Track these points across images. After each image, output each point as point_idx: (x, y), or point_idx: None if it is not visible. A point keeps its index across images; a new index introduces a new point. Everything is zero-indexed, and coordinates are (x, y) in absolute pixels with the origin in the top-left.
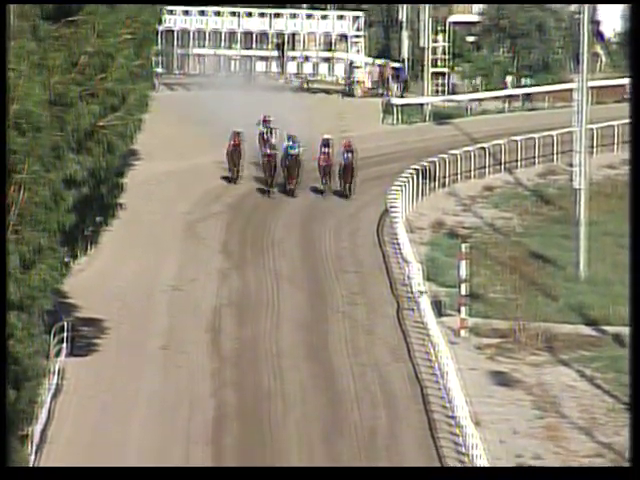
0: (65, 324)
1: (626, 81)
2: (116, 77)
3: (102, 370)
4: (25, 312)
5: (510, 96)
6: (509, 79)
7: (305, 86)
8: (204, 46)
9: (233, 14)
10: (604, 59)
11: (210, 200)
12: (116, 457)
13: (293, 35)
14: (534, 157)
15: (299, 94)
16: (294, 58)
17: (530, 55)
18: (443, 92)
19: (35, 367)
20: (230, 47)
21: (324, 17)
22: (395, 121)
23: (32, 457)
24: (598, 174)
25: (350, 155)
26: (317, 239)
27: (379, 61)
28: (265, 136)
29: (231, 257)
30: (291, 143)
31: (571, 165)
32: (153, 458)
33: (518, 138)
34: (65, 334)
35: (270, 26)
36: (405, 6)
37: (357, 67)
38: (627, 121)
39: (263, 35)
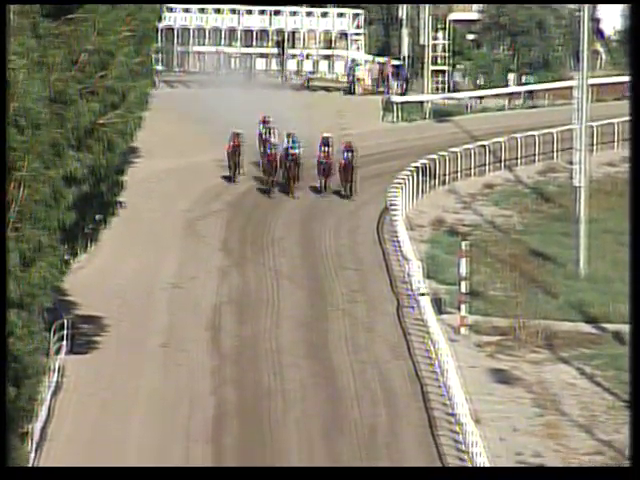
0: (65, 322)
1: (626, 79)
2: (116, 75)
3: (102, 368)
4: (25, 310)
5: (511, 94)
6: (511, 77)
7: (307, 84)
8: (204, 44)
9: (233, 12)
10: (604, 57)
11: (210, 198)
12: (116, 455)
13: (293, 33)
14: (534, 155)
15: (299, 92)
16: (294, 56)
17: (530, 53)
18: (443, 90)
19: (35, 365)
20: (230, 45)
21: (324, 15)
22: (395, 119)
23: (32, 455)
24: (598, 172)
25: (350, 155)
26: (317, 237)
27: (381, 59)
28: (264, 136)
29: (231, 255)
30: (291, 143)
31: (571, 163)
32: (153, 456)
33: (518, 135)
34: (65, 332)
35: (270, 24)
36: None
37: (357, 65)
38: (627, 119)
39: (263, 33)
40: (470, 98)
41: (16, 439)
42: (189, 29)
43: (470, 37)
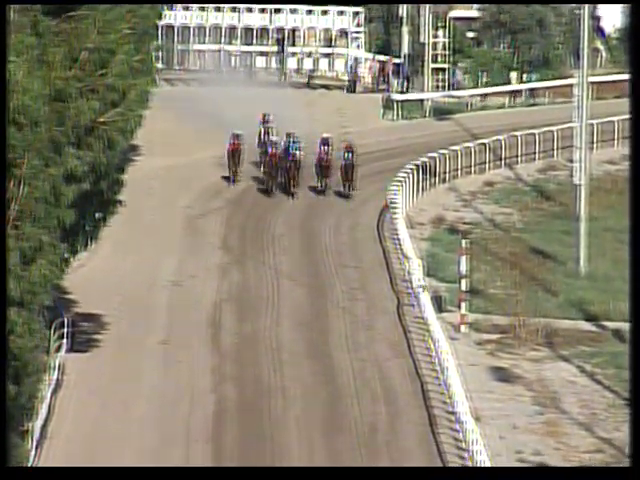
0: (65, 320)
1: (626, 76)
2: (116, 73)
3: (102, 365)
4: (25, 308)
5: (511, 92)
6: (513, 75)
7: (308, 82)
8: (204, 42)
9: (233, 10)
10: (604, 55)
11: (210, 196)
12: (116, 453)
13: (293, 31)
14: (534, 153)
15: (299, 90)
16: (294, 54)
17: (530, 50)
18: (444, 88)
19: (35, 362)
20: (230, 43)
21: (324, 13)
22: (395, 117)
23: (32, 453)
24: (598, 170)
25: (350, 155)
26: (317, 235)
27: (383, 57)
28: (264, 135)
29: (231, 252)
30: (291, 142)
31: (571, 161)
32: (153, 454)
33: (518, 134)
34: (65, 330)
35: (270, 22)
36: None
37: (359, 63)
38: (627, 117)
39: (263, 31)
40: (470, 96)
41: (16, 437)
42: (189, 27)
43: (470, 35)
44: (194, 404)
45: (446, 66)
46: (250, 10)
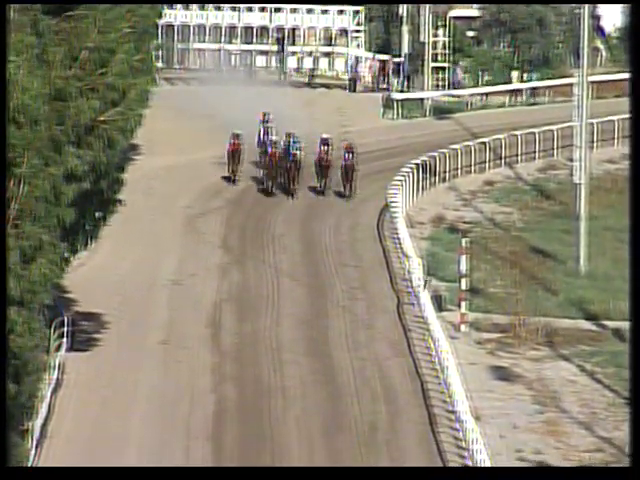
0: (65, 319)
1: (626, 76)
2: (116, 72)
3: (102, 365)
4: (25, 307)
5: (512, 91)
6: (515, 74)
7: (310, 81)
8: (204, 41)
9: (233, 9)
10: (604, 54)
11: (210, 195)
12: (116, 452)
13: (293, 30)
14: (534, 152)
15: (299, 89)
16: (294, 53)
17: (530, 50)
18: (444, 87)
19: (35, 361)
20: (230, 42)
21: (324, 12)
22: (395, 116)
23: (32, 452)
24: (598, 169)
25: (351, 155)
26: (317, 234)
27: (383, 56)
28: (264, 135)
29: (231, 252)
30: (292, 142)
31: (571, 160)
32: (153, 453)
33: (518, 133)
34: (65, 329)
35: (270, 21)
36: None
37: (359, 62)
38: (627, 116)
39: (263, 30)
40: (470, 95)
41: (16, 436)
42: (189, 26)
43: (470, 34)
44: (194, 404)
45: (446, 65)
46: (250, 9)
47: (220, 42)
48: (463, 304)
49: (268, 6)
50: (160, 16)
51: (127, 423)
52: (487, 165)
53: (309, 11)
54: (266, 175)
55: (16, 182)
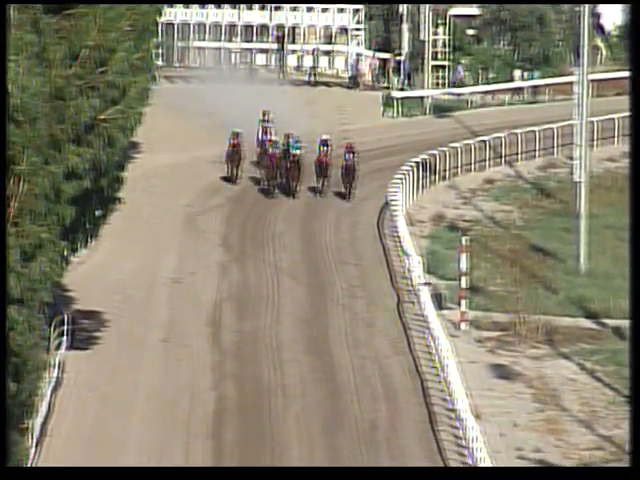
0: (65, 317)
1: (626, 74)
2: (116, 70)
3: (102, 363)
4: (25, 305)
5: (512, 89)
6: (517, 73)
7: (313, 80)
8: (204, 39)
9: (233, 7)
10: (604, 52)
11: (210, 193)
12: (116, 451)
13: (293, 28)
14: (534, 150)
15: (300, 87)
16: (294, 51)
17: (531, 48)
18: (444, 85)
19: (35, 360)
20: (230, 40)
21: (324, 10)
22: (395, 114)
23: (32, 450)
24: (598, 167)
25: (351, 156)
26: (317, 232)
27: (384, 55)
28: (263, 135)
29: (231, 250)
30: (292, 143)
31: (571, 158)
32: (153, 452)
33: (518, 131)
34: (65, 327)
35: (270, 19)
36: None
37: (360, 60)
38: (627, 114)
39: (264, 28)
40: (470, 94)
41: (16, 434)
42: (189, 24)
43: (470, 32)
44: (194, 402)
45: (446, 63)
46: (250, 7)
47: (220, 40)
48: (463, 302)
49: (268, 4)
50: (160, 14)
51: (127, 421)
52: (487, 163)
53: (309, 9)
54: (266, 175)
55: (16, 180)
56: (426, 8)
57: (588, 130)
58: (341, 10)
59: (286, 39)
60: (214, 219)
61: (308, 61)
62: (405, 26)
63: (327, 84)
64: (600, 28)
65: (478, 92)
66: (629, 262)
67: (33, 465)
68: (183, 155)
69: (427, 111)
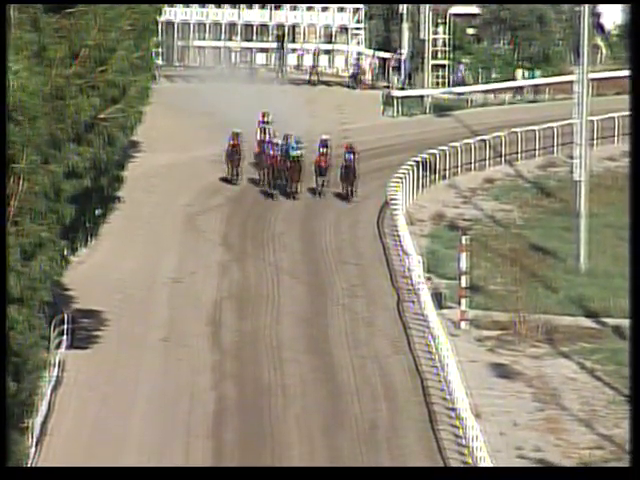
0: (65, 316)
1: (626, 73)
2: (117, 69)
3: (102, 362)
4: (25, 304)
5: (512, 88)
6: (519, 72)
7: (316, 79)
8: (204, 38)
9: (233, 6)
10: (604, 51)
11: (210, 193)
12: (116, 450)
13: (293, 27)
14: (534, 149)
15: (300, 86)
16: (294, 50)
17: (531, 47)
18: (444, 84)
19: (35, 359)
20: (230, 39)
21: (324, 9)
22: (395, 113)
23: (32, 449)
24: (598, 166)
25: (352, 156)
26: (317, 232)
27: (385, 54)
28: (262, 135)
29: (231, 250)
30: (293, 144)
31: (571, 157)
32: (153, 451)
33: (518, 130)
34: (65, 326)
35: (270, 18)
36: None
37: (358, 60)
38: (627, 113)
39: (264, 27)
40: (470, 93)
41: (16, 434)
42: (189, 23)
43: (470, 31)
44: (194, 402)
45: (446, 63)
46: (250, 6)
47: (220, 39)
48: (463, 301)
49: (268, 4)
50: (160, 13)
51: (127, 421)
52: (487, 162)
53: (309, 8)
54: (266, 176)
55: (15, 179)
56: (426, 7)
57: (588, 129)
58: (341, 9)
59: (286, 38)
60: (214, 218)
61: (308, 60)
62: (405, 25)
63: (327, 83)
64: (600, 27)
65: (478, 91)
66: (629, 261)
67: (33, 465)
68: (183, 154)
69: (427, 110)
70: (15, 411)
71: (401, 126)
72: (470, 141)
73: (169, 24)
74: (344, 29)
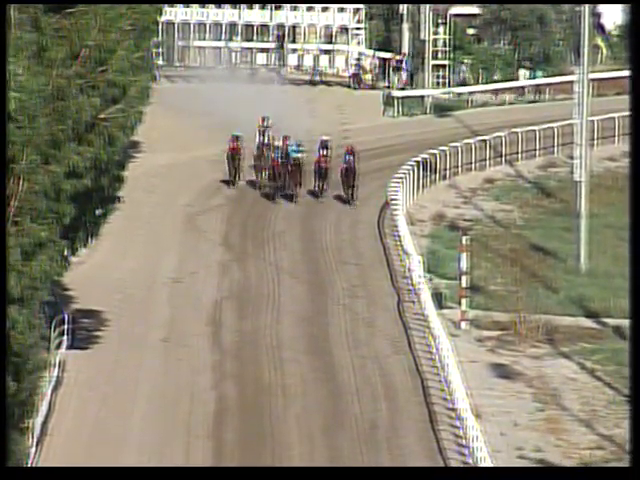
0: (66, 316)
1: (627, 73)
2: (117, 68)
3: (103, 362)
4: (25, 304)
5: (512, 88)
6: (522, 72)
7: (319, 79)
8: (205, 38)
9: (234, 6)
10: (605, 51)
11: (211, 193)
12: (117, 450)
13: (294, 27)
14: (535, 149)
15: (300, 86)
16: (294, 50)
17: (531, 47)
18: (444, 84)
19: (36, 359)
20: (231, 39)
21: (325, 10)
22: (396, 113)
23: (32, 449)
24: (599, 166)
25: (352, 158)
26: (317, 231)
27: (386, 54)
28: (261, 138)
29: (232, 249)
30: (294, 147)
31: (572, 157)
32: (154, 451)
33: (519, 130)
34: (66, 326)
35: (271, 18)
36: None
37: (359, 59)
38: (627, 113)
39: (264, 27)
40: (470, 93)
41: (16, 434)
42: (190, 23)
43: (471, 32)
44: (194, 402)
45: (446, 63)
46: (250, 7)
47: (220, 40)
48: (463, 301)
49: (268, 4)
50: (161, 13)
51: (127, 421)
52: (487, 163)
53: (309, 9)
54: (267, 179)
55: (15, 179)
56: (426, 8)
57: (588, 129)
58: (341, 9)
59: (286, 38)
60: (214, 218)
61: (308, 60)
62: (405, 26)
63: (327, 83)
64: (600, 27)
65: (478, 91)
66: (629, 261)
67: (33, 465)
68: (183, 154)
69: (427, 110)
70: (15, 411)
71: (401, 126)
72: (470, 141)
73: (169, 24)
74: (344, 29)
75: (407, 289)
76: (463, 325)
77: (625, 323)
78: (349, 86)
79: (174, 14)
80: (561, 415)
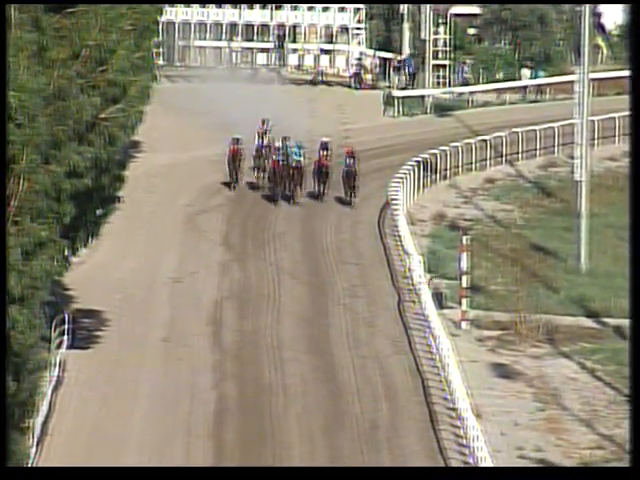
0: (66, 316)
1: (627, 73)
2: (117, 68)
3: (103, 362)
4: (26, 304)
5: (513, 88)
6: (525, 72)
7: (322, 78)
8: (205, 38)
9: (234, 6)
10: (605, 51)
11: (211, 193)
12: (117, 450)
13: (294, 27)
14: (535, 149)
15: (300, 86)
16: (295, 50)
17: (531, 47)
18: (445, 84)
19: (36, 359)
20: (231, 39)
21: (325, 9)
22: (396, 113)
23: (33, 449)
24: (599, 166)
25: (352, 161)
26: (318, 232)
27: (387, 54)
28: (260, 140)
29: (232, 250)
30: (295, 149)
31: (572, 157)
32: (154, 451)
33: (519, 130)
34: (66, 326)
35: (271, 18)
36: None
37: (359, 59)
38: (628, 113)
39: (264, 27)
40: (470, 93)
41: (17, 434)
42: (190, 23)
43: (471, 32)
44: (195, 402)
45: (447, 63)
46: (251, 7)
47: (221, 39)
48: (464, 301)
49: (269, 4)
50: (161, 13)
51: (127, 421)
52: (488, 162)
53: (310, 9)
54: (267, 181)
55: (15, 179)
56: (427, 7)
57: (589, 129)
58: (342, 9)
59: (286, 38)
60: (215, 218)
61: (309, 60)
62: (406, 25)
63: (328, 83)
64: (601, 27)
65: (479, 91)
66: (629, 261)
67: (33, 465)
68: (184, 154)
69: (428, 110)
70: (15, 411)
71: (402, 126)
72: (471, 141)
73: (170, 24)
74: (345, 29)
75: (407, 289)
76: (463, 325)
77: (625, 323)
78: (349, 86)
79: (174, 14)
80: (561, 415)
